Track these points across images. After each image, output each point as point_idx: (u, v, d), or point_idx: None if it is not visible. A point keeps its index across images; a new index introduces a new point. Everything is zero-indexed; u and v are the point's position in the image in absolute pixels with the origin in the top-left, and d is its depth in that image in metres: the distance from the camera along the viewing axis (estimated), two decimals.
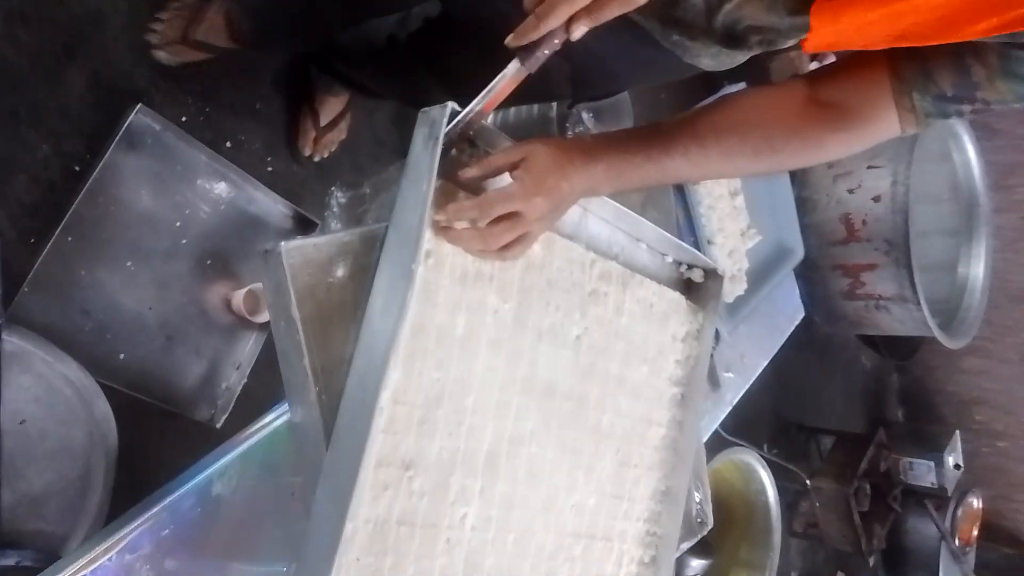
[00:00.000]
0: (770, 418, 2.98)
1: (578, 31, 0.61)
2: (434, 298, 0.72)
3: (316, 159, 1.44)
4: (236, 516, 0.70)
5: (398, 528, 0.69)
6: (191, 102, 1.34)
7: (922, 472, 3.70)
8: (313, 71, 1.37)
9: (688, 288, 1.04)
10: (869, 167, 2.10)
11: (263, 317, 1.33)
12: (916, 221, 2.06)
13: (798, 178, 2.20)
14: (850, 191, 2.12)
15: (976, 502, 3.93)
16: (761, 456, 2.77)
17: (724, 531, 2.39)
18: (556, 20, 0.60)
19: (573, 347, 0.86)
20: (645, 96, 2.14)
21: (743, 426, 2.52)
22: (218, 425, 1.31)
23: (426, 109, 0.70)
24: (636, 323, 0.94)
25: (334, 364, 0.67)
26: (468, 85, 0.67)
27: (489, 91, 0.66)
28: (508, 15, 0.62)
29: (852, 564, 3.22)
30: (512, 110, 1.26)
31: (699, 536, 1.12)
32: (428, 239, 0.70)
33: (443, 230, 0.70)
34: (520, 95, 0.68)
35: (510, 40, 0.63)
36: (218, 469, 0.66)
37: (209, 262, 1.34)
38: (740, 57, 0.79)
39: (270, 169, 1.46)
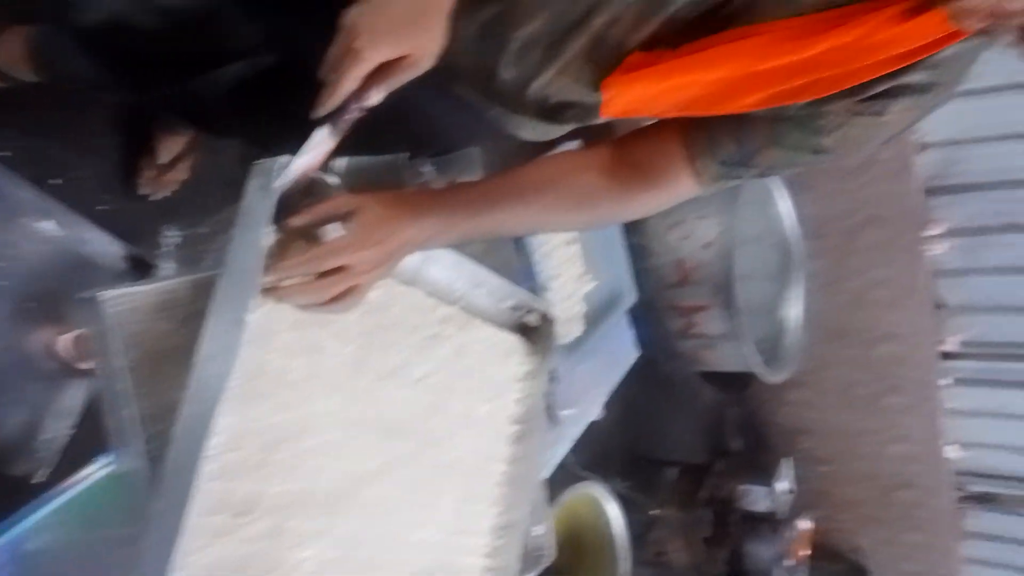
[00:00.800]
0: (620, 452, 3.12)
1: (374, 97, 0.67)
2: (271, 343, 0.73)
3: (153, 198, 1.39)
4: (55, 573, 0.67)
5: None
6: (16, 135, 1.27)
7: (757, 498, 3.99)
8: (150, 108, 1.33)
9: (525, 331, 1.10)
10: (699, 217, 2.31)
11: (91, 363, 1.26)
12: (742, 265, 2.27)
13: (636, 227, 2.37)
14: (683, 238, 2.31)
15: (807, 524, 4.28)
16: (612, 489, 2.90)
17: (575, 562, 2.46)
18: (348, 87, 0.65)
19: (416, 387, 0.89)
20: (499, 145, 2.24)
21: (596, 460, 2.62)
22: (40, 479, 1.22)
23: (259, 161, 0.72)
24: (478, 364, 0.98)
25: (163, 411, 0.66)
26: (311, 128, 0.70)
27: (303, 154, 0.70)
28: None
29: None
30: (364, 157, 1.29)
31: (539, 569, 1.17)
32: (269, 281, 0.71)
33: (272, 290, 0.71)
34: (354, 147, 0.71)
35: (314, 112, 0.67)
36: (33, 524, 0.62)
37: (33, 305, 1.26)
38: (558, 130, 0.86)
39: (106, 207, 1.40)
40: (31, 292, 1.26)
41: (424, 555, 0.89)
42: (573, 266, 1.35)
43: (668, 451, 3.59)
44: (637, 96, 0.70)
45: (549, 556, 1.18)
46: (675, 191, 0.80)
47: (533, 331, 1.10)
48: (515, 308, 1.09)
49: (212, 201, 1.57)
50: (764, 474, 4.03)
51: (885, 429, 4.16)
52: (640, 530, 3.16)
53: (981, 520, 4.37)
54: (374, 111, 0.69)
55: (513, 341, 1.05)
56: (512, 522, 1.03)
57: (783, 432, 4.37)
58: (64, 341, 1.28)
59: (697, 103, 0.70)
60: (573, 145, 0.97)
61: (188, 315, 0.68)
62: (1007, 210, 3.44)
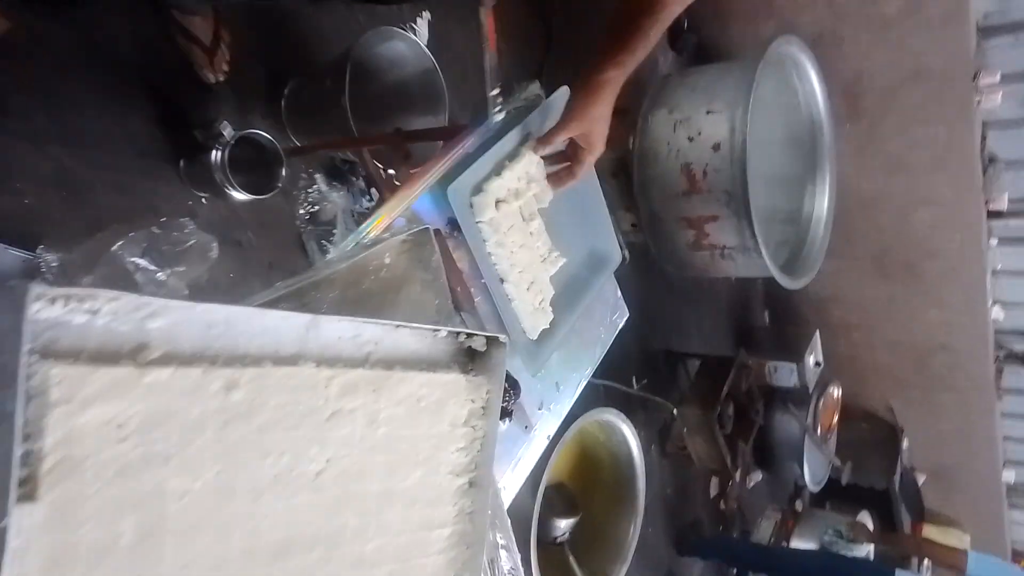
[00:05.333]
0: (638, 352, 3.00)
1: None
2: (77, 514, 0.55)
3: (220, 79, 1.44)
4: None
5: None
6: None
7: (785, 374, 3.90)
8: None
9: (471, 359, 0.91)
10: (708, 112, 2.00)
11: None
12: (757, 165, 1.99)
13: (639, 129, 2.08)
14: (690, 139, 2.02)
15: (835, 392, 4.21)
16: (630, 392, 2.81)
17: (592, 483, 2.41)
18: None
19: (313, 487, 0.72)
20: None
21: (612, 367, 2.51)
22: None
23: (11, 284, 0.52)
24: (399, 428, 0.81)
25: None
26: None
27: None
28: None
29: (722, 474, 3.38)
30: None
31: None
32: (53, 442, 0.53)
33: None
34: None
35: None
36: None
37: None
38: None
39: None
40: None
41: None
42: (535, 248, 1.13)
43: (690, 341, 3.45)
44: None
45: None
46: None
47: (480, 357, 0.91)
48: (455, 334, 0.89)
49: (132, 178, 1.37)
50: (792, 349, 3.92)
51: (922, 295, 3.96)
52: (660, 426, 3.10)
53: (1021, 377, 4.25)
54: None
55: (451, 381, 0.87)
56: None
57: (812, 303, 4.20)
58: None
59: None
60: None
61: None
62: None
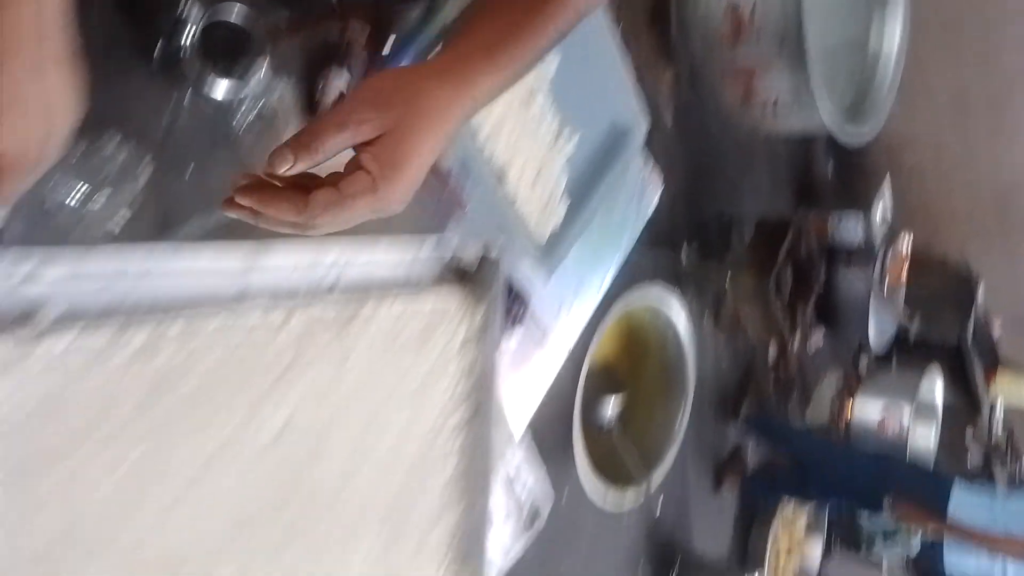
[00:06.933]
0: (686, 221, 2.81)
1: None
2: None
3: None
4: None
5: None
6: None
7: (850, 230, 3.65)
8: None
9: (462, 277, 0.78)
10: None
11: None
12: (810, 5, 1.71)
13: None
14: None
15: (904, 246, 3.95)
16: (678, 264, 2.66)
17: (638, 364, 2.33)
18: None
19: (277, 443, 0.63)
20: None
21: (660, 233, 2.37)
22: None
23: None
24: (376, 368, 0.70)
25: None
26: None
27: None
28: None
29: (780, 342, 3.26)
30: None
31: (540, 522, 0.98)
32: None
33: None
34: None
35: None
36: None
37: None
38: None
39: None
40: None
41: None
42: (539, 130, 0.95)
43: (745, 202, 3.22)
44: None
45: (544, 511, 0.98)
46: None
47: (472, 277, 0.78)
48: (435, 254, 0.76)
49: None
50: (858, 203, 3.66)
51: (1008, 132, 3.59)
52: (712, 298, 2.96)
53: None
54: None
55: (435, 309, 0.75)
56: (474, 519, 0.81)
57: (880, 150, 3.87)
58: None
59: None
60: None
61: None
62: None
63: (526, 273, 0.96)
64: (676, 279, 2.41)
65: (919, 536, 2.40)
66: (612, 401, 2.18)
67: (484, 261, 0.77)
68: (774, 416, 3.25)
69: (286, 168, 0.48)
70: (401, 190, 0.51)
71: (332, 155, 0.50)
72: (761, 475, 3.13)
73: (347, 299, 0.68)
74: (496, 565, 0.91)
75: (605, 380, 2.20)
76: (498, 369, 0.81)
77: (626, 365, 2.27)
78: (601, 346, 2.08)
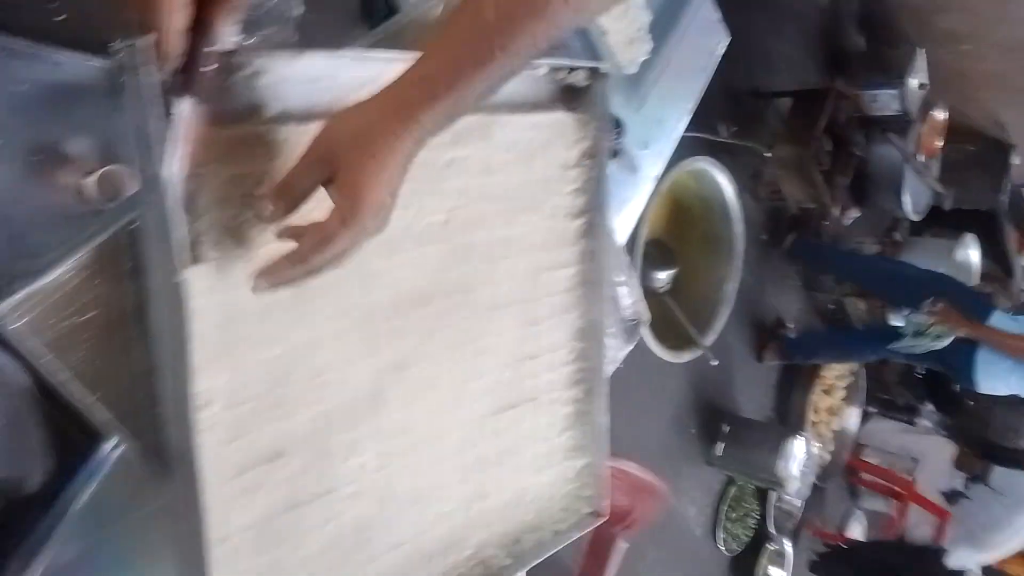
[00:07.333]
0: (723, 95, 2.82)
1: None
2: (233, 279, 0.58)
3: None
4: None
5: (285, 515, 0.64)
6: None
7: (886, 101, 3.62)
8: None
9: (573, 97, 0.86)
10: None
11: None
12: None
13: None
14: None
15: (941, 114, 3.92)
16: (717, 140, 2.70)
17: (687, 235, 2.41)
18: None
19: (440, 237, 0.73)
20: None
21: (695, 116, 2.41)
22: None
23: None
24: (512, 173, 0.79)
25: (131, 386, 0.57)
26: None
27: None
28: None
29: (820, 212, 3.31)
30: None
31: (638, 336, 1.08)
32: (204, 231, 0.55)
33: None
34: None
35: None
36: (58, 538, 0.59)
37: (40, 157, 1.13)
38: None
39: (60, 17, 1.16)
40: (32, 143, 1.13)
41: (496, 396, 0.82)
42: None
43: (779, 77, 3.21)
44: None
45: (645, 320, 1.09)
46: None
47: (581, 94, 0.86)
48: (554, 70, 0.84)
49: None
50: (893, 72, 3.61)
51: None
52: (752, 172, 3.00)
53: None
54: None
55: (555, 121, 0.83)
56: (592, 321, 0.92)
57: (916, 14, 3.78)
58: (90, 183, 1.18)
59: None
60: None
61: (103, 293, 0.54)
62: None
63: (617, 105, 1.04)
64: (715, 156, 2.45)
65: (951, 338, 2.45)
66: (666, 273, 2.28)
67: (593, 79, 0.85)
68: (822, 244, 3.32)
69: (269, 213, 0.56)
70: (369, 219, 0.56)
71: (303, 198, 0.57)
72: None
73: (485, 110, 0.76)
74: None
75: (657, 252, 2.29)
76: (607, 188, 0.90)
77: (675, 238, 2.36)
78: (652, 220, 2.16)
